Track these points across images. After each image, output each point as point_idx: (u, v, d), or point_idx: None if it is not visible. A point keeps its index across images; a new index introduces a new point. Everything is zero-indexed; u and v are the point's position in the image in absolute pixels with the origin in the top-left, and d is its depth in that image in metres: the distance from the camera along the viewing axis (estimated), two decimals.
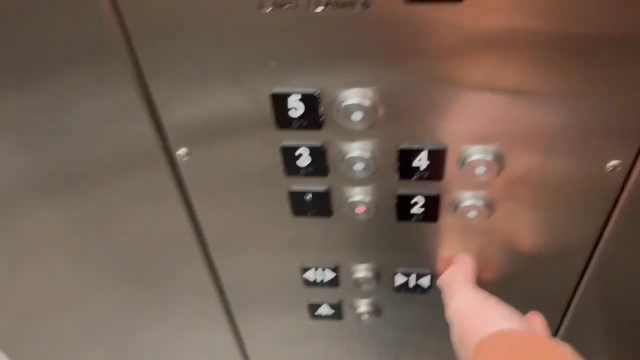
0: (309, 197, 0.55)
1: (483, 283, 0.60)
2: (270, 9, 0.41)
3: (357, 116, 0.46)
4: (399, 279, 0.64)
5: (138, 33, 0.44)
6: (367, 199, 0.54)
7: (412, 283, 0.64)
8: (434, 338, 0.73)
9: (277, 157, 0.52)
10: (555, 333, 0.70)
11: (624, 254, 0.56)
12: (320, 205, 0.56)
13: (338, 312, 0.71)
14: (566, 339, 0.69)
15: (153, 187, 0.57)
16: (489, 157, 0.48)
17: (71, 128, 0.52)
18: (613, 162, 0.48)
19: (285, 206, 0.57)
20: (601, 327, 0.69)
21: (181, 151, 0.53)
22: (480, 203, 0.53)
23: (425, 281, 0.63)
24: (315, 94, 0.46)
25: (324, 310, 0.70)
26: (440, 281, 0.59)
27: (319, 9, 0.40)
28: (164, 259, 0.67)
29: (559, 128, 0.46)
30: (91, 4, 0.42)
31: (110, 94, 0.48)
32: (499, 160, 0.48)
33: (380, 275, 0.64)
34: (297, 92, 0.46)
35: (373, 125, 0.47)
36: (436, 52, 0.42)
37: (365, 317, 0.70)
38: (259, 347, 0.80)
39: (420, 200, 0.54)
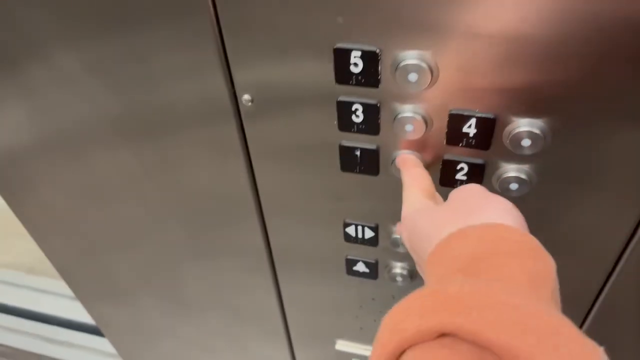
0: (358, 153, 0.59)
1: None
2: None
3: (413, 77, 0.49)
4: None
5: None
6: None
7: None
8: None
9: (333, 111, 0.55)
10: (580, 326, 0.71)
11: None
12: (369, 163, 0.59)
13: (374, 271, 0.74)
14: (591, 332, 0.70)
15: (219, 138, 0.62)
16: (536, 131, 0.50)
17: (153, 75, 0.58)
18: None
19: (335, 160, 0.61)
20: (626, 326, 0.70)
21: (246, 97, 0.57)
22: (523, 176, 0.54)
23: None
24: (377, 52, 0.49)
25: (361, 267, 0.74)
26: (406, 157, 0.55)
27: None
28: (220, 210, 0.72)
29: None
30: None
31: (188, 47, 0.53)
32: (546, 135, 0.50)
33: None
34: (358, 49, 0.49)
35: (427, 88, 0.50)
36: (494, 23, 0.44)
37: (399, 279, 0.73)
38: (296, 298, 0.85)
39: (464, 167, 0.56)
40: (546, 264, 0.39)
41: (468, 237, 0.41)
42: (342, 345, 0.92)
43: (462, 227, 0.41)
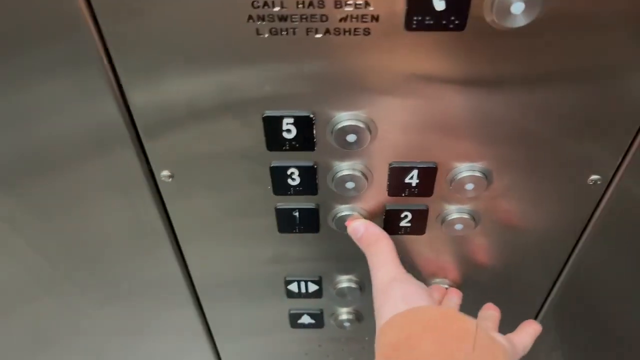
0: (296, 214, 0.55)
1: (467, 279, 0.62)
2: (267, 35, 0.39)
3: (351, 137, 0.46)
4: None
5: (118, 49, 0.42)
6: (356, 215, 0.54)
7: None
8: None
9: (267, 177, 0.51)
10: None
11: (597, 261, 0.59)
12: (308, 222, 0.56)
13: (319, 321, 0.71)
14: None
15: (138, 218, 0.55)
16: (478, 174, 0.49)
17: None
18: (594, 177, 0.50)
19: (272, 223, 0.56)
20: (571, 329, 0.73)
21: (164, 173, 0.51)
22: (466, 216, 0.54)
23: None
24: (311, 116, 0.45)
25: (306, 319, 0.70)
26: (366, 234, 0.54)
27: (319, 35, 0.39)
28: (138, 264, 0.65)
29: (546, 146, 0.48)
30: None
31: (89, 111, 0.46)
32: (488, 177, 0.50)
33: (365, 285, 0.64)
34: (290, 115, 0.45)
35: (363, 146, 0.47)
36: (431, 77, 0.42)
37: (347, 324, 0.70)
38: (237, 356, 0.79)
39: (408, 214, 0.54)
40: (461, 326, 0.45)
41: (392, 326, 0.46)
42: None
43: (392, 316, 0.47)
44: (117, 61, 0.42)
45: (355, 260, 0.62)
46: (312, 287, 0.65)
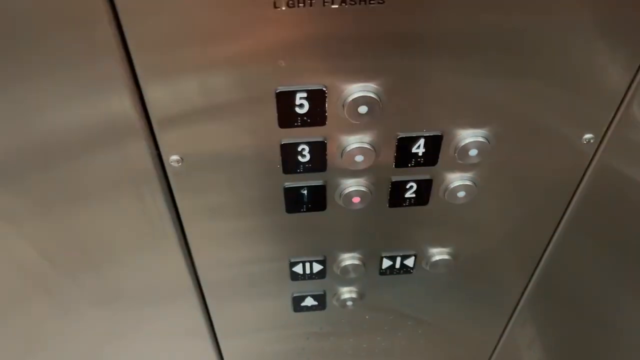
0: (305, 192, 0.55)
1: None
2: (284, 7, 0.40)
3: (363, 109, 0.47)
4: (385, 263, 0.66)
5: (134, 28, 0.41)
6: (362, 188, 0.55)
7: (398, 264, 0.66)
8: (409, 318, 0.77)
9: (276, 156, 0.51)
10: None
11: (576, 248, 0.62)
12: (316, 200, 0.56)
13: (322, 302, 0.71)
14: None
15: (144, 203, 0.54)
16: (482, 139, 0.51)
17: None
18: (587, 136, 0.53)
19: (279, 204, 0.57)
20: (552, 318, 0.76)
21: (174, 157, 0.51)
22: (469, 183, 0.56)
23: (409, 262, 0.66)
24: (324, 90, 0.46)
25: (309, 302, 0.71)
26: None
27: (335, 5, 0.40)
28: (143, 253, 0.63)
29: (541, 109, 0.50)
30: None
31: (103, 100, 0.45)
32: (490, 141, 0.52)
33: (367, 261, 0.66)
34: (303, 89, 0.46)
35: (374, 117, 0.48)
36: (438, 45, 0.44)
37: (350, 303, 0.71)
38: (238, 349, 0.79)
39: (413, 185, 0.56)
40: None
41: None
42: None
43: None
44: (131, 43, 0.42)
45: (359, 236, 0.63)
46: (317, 267, 0.65)
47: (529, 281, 0.72)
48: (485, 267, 0.69)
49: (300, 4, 0.40)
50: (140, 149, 0.49)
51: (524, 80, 0.48)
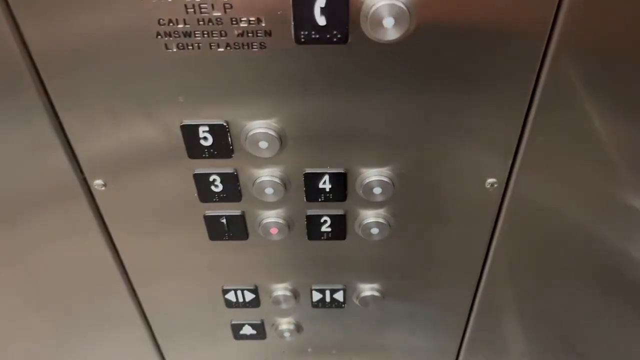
0: (224, 221, 0.59)
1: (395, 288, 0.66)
2: (174, 49, 0.45)
3: (263, 144, 0.51)
4: (316, 296, 0.68)
5: (47, 68, 0.46)
6: (280, 220, 0.58)
7: (327, 298, 0.68)
8: (352, 351, 0.78)
9: (192, 185, 0.55)
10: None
11: (509, 266, 0.63)
12: (236, 229, 0.60)
13: (261, 331, 0.74)
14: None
15: (72, 220, 0.59)
16: (385, 179, 0.54)
17: None
18: (490, 180, 0.54)
19: (203, 231, 0.60)
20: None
21: (97, 182, 0.55)
22: (382, 220, 0.58)
23: (339, 296, 0.68)
24: (224, 124, 0.50)
25: (248, 330, 0.73)
26: None
27: (221, 49, 0.44)
28: (86, 290, 0.68)
29: (446, 149, 0.52)
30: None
31: (23, 128, 0.50)
32: (393, 181, 0.54)
33: (298, 293, 0.68)
34: (205, 124, 0.50)
35: (279, 152, 0.52)
36: (326, 88, 0.47)
37: (287, 334, 0.73)
38: None
39: (327, 219, 0.58)
40: None
41: None
42: None
43: None
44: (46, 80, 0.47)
45: (286, 268, 0.65)
46: (249, 296, 0.68)
47: (473, 300, 0.71)
48: (420, 301, 0.70)
49: (189, 47, 0.44)
50: (65, 169, 0.54)
51: (425, 124, 0.50)
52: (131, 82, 0.47)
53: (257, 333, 0.73)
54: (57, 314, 0.72)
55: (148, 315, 0.71)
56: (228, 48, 0.44)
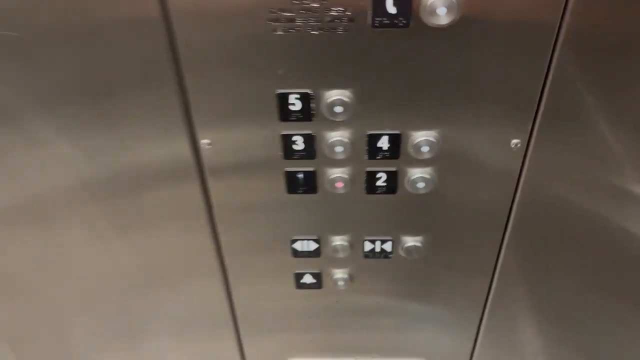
0: (300, 176, 0.73)
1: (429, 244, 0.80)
2: (280, 32, 0.60)
3: (338, 109, 0.66)
4: (367, 246, 0.82)
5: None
6: (344, 175, 0.73)
7: (377, 248, 0.82)
8: (396, 301, 0.91)
9: (278, 145, 0.70)
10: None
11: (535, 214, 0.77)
12: (309, 183, 0.74)
13: (319, 281, 0.87)
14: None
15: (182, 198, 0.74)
16: (432, 139, 0.68)
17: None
18: (515, 141, 0.69)
19: (282, 186, 0.75)
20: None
21: (204, 141, 0.70)
22: (427, 176, 0.72)
23: (387, 247, 0.82)
24: (310, 93, 0.65)
25: (308, 279, 0.87)
26: None
27: (315, 32, 0.60)
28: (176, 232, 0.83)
29: (478, 112, 0.67)
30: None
31: (155, 110, 0.66)
32: (439, 141, 0.68)
33: (353, 245, 0.82)
34: (296, 92, 0.65)
35: (350, 116, 0.66)
36: (391, 63, 0.62)
37: (341, 283, 0.87)
38: (252, 317, 0.95)
39: (383, 175, 0.73)
40: None
41: None
42: None
43: None
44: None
45: (345, 220, 0.80)
46: (313, 245, 0.82)
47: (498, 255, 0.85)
48: (455, 252, 0.83)
49: (291, 30, 0.60)
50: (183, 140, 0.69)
51: (466, 94, 0.65)
52: (246, 58, 0.62)
53: (315, 282, 0.87)
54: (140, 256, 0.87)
55: (227, 262, 0.85)
56: (320, 31, 0.60)
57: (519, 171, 0.72)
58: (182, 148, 0.71)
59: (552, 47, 0.60)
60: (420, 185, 0.73)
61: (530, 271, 0.86)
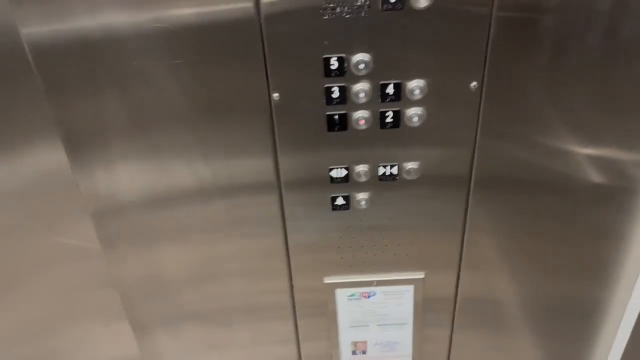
0: (336, 117, 1.11)
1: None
2: (327, 17, 1.00)
3: (361, 66, 1.05)
4: (380, 170, 1.19)
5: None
6: (366, 115, 1.11)
7: (387, 172, 1.19)
8: (408, 219, 1.27)
9: (322, 94, 1.08)
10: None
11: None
12: (342, 122, 1.12)
13: (348, 203, 1.24)
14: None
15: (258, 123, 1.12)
16: (421, 85, 1.07)
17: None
18: (473, 84, 1.08)
19: (324, 126, 1.13)
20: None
21: (275, 95, 1.09)
22: (419, 112, 1.11)
23: (395, 170, 1.19)
24: (343, 56, 1.04)
25: (340, 201, 1.23)
26: None
27: (346, 15, 1.00)
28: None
29: (446, 64, 1.06)
30: None
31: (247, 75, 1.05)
32: (426, 87, 1.07)
33: (372, 170, 1.19)
34: (335, 56, 1.04)
35: (368, 72, 1.05)
36: (392, 33, 1.02)
37: (363, 203, 1.23)
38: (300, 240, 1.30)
39: (390, 113, 1.11)
40: None
41: None
42: (330, 279, 1.37)
43: None
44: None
45: (365, 152, 1.17)
46: (344, 172, 1.19)
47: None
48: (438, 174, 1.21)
49: (333, 15, 1.00)
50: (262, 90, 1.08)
51: (435, 52, 1.05)
52: (310, 34, 1.01)
53: (345, 204, 1.24)
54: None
55: (284, 193, 1.22)
56: (350, 15, 1.00)
57: (478, 106, 1.11)
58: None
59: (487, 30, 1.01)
60: (415, 119, 1.11)
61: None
